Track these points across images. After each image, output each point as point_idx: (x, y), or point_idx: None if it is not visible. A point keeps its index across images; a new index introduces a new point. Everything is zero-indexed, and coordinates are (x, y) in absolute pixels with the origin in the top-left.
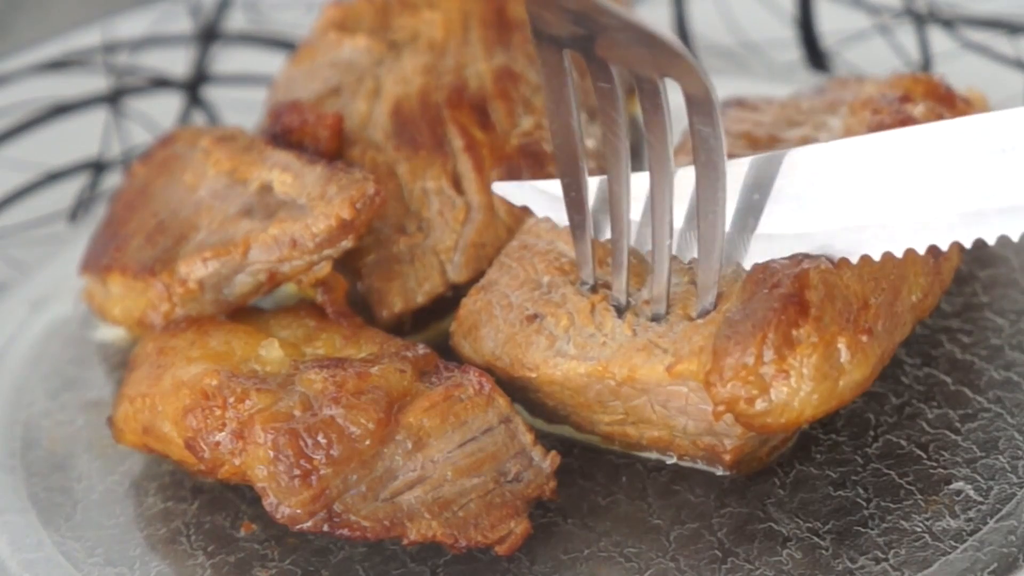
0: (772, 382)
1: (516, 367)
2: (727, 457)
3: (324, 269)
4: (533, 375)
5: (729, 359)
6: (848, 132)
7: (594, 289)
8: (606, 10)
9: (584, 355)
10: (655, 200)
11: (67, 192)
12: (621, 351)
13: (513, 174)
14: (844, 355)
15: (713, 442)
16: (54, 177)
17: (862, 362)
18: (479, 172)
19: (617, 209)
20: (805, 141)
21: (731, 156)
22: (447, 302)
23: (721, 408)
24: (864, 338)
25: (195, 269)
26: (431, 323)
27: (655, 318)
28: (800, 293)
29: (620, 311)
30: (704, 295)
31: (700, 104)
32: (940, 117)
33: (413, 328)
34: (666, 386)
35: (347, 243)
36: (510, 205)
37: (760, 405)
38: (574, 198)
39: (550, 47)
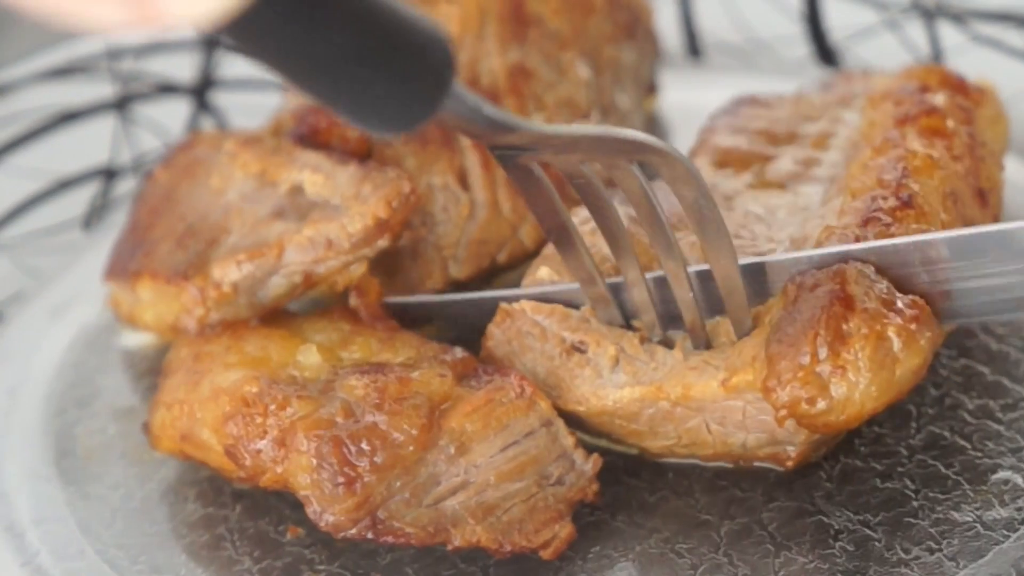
0: (830, 379)
1: (563, 402)
2: (790, 463)
3: (360, 269)
4: (582, 408)
5: (784, 362)
6: (872, 126)
7: (629, 326)
8: (548, 135)
9: (636, 380)
10: (666, 265)
11: (79, 199)
12: (674, 372)
13: None
14: (896, 344)
15: (775, 451)
16: (65, 185)
17: (915, 349)
18: (486, 168)
19: (640, 295)
20: (824, 136)
21: (746, 160)
22: None
23: (783, 413)
24: (913, 326)
25: (229, 272)
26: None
27: (697, 347)
28: (843, 288)
29: (668, 345)
30: (739, 328)
31: (680, 176)
32: (959, 107)
33: (413, 324)
34: (721, 402)
35: (383, 242)
36: (515, 203)
37: (821, 404)
38: (586, 279)
39: (511, 161)
